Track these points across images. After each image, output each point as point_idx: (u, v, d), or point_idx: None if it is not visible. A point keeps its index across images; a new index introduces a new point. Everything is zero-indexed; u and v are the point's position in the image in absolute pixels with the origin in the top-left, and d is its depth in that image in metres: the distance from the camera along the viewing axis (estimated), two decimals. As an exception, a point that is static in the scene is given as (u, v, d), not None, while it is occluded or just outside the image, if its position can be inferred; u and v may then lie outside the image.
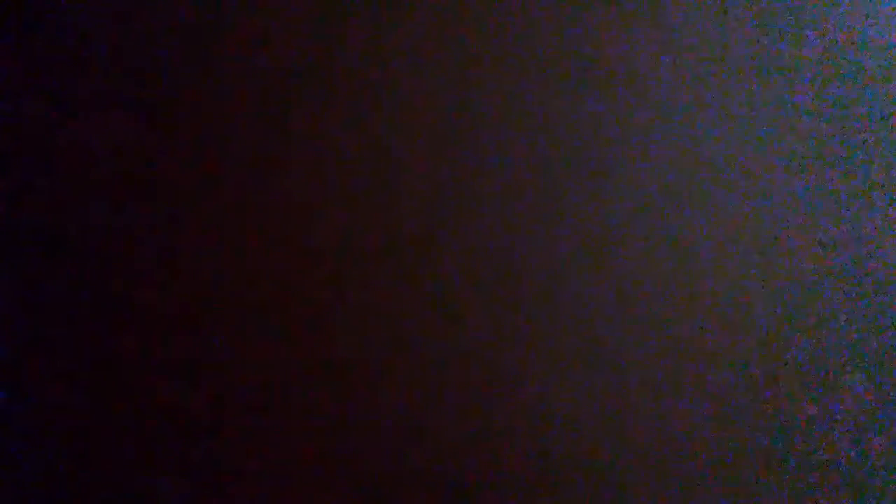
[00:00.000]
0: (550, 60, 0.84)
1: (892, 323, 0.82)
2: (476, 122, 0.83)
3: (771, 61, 0.84)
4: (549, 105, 0.83)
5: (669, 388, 0.82)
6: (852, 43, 0.84)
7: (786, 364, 0.82)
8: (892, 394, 0.82)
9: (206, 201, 0.82)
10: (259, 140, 0.82)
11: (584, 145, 0.83)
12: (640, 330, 0.82)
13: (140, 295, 0.81)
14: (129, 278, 0.81)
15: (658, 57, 0.84)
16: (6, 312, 0.81)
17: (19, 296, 0.81)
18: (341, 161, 0.83)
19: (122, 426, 0.81)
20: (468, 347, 0.82)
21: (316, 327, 0.81)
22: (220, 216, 0.82)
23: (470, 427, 0.81)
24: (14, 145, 0.82)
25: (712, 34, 0.84)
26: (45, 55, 0.83)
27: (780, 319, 0.82)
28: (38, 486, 0.81)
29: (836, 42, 0.84)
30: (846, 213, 0.83)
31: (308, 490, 0.81)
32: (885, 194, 0.83)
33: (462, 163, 0.83)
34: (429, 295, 0.82)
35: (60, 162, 0.82)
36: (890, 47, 0.84)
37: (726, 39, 0.84)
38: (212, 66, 0.83)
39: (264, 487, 0.81)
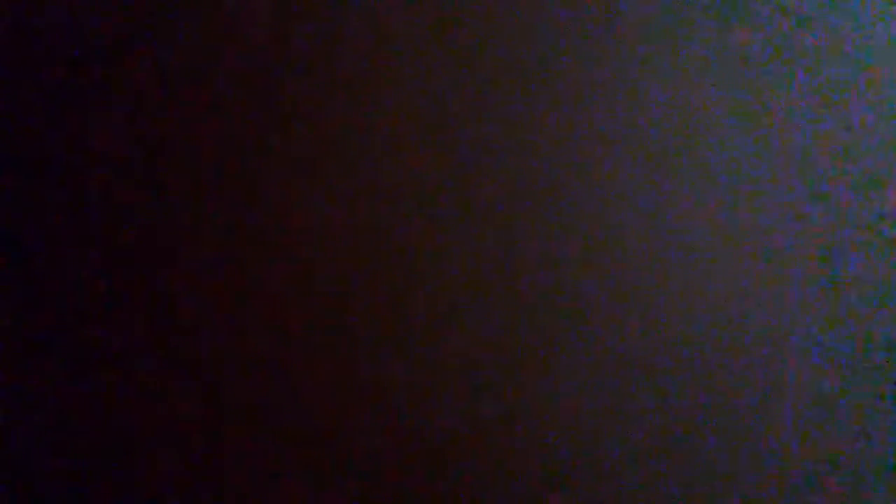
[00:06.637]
0: (551, 60, 0.84)
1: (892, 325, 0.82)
2: (475, 122, 0.83)
3: (770, 61, 0.84)
4: (550, 104, 0.83)
5: (670, 387, 0.82)
6: (855, 40, 0.84)
7: (787, 363, 0.82)
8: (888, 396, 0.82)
9: (207, 201, 0.82)
10: (260, 140, 0.82)
11: (584, 144, 0.83)
12: (641, 330, 0.82)
13: (140, 295, 0.81)
14: (129, 278, 0.81)
15: (658, 57, 0.84)
16: (6, 312, 0.81)
17: (19, 296, 0.81)
18: (342, 160, 0.83)
19: (121, 426, 0.81)
20: (468, 347, 0.82)
21: (315, 327, 0.81)
22: (220, 216, 0.82)
23: (470, 427, 0.81)
24: (14, 146, 0.82)
25: (712, 33, 0.84)
26: (44, 55, 0.83)
27: (780, 320, 0.82)
28: (39, 486, 0.81)
29: (837, 39, 0.84)
30: (846, 214, 0.83)
31: (307, 490, 0.81)
32: (885, 197, 0.83)
33: (462, 162, 0.83)
34: (429, 294, 0.82)
35: (60, 162, 0.82)
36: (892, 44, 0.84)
37: (725, 38, 0.84)
38: (213, 64, 0.83)
39: (264, 487, 0.81)
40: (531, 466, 0.81)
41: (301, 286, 0.82)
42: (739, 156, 0.83)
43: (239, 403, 0.81)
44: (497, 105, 0.83)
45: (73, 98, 0.82)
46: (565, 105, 0.83)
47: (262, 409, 0.81)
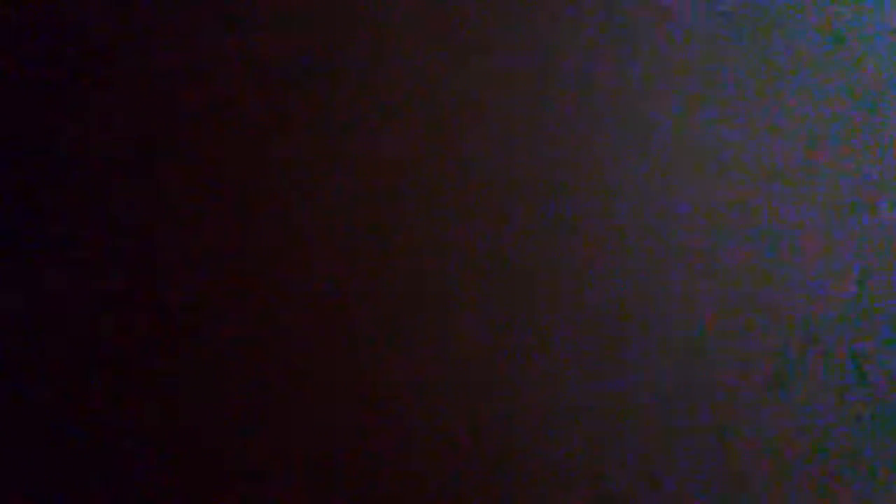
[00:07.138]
0: (550, 60, 0.84)
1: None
2: (475, 122, 0.83)
3: (772, 65, 0.84)
4: (550, 104, 0.83)
5: (670, 387, 0.82)
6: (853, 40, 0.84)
7: (788, 363, 0.82)
8: None
9: (207, 201, 0.82)
10: (259, 140, 0.83)
11: (584, 143, 0.83)
12: (641, 330, 0.82)
13: (140, 295, 0.81)
14: (129, 278, 0.81)
15: (659, 56, 0.84)
16: (6, 312, 0.81)
17: (19, 296, 0.81)
18: (342, 160, 0.83)
19: (121, 426, 0.81)
20: (468, 347, 0.82)
21: (315, 327, 0.82)
22: (220, 216, 0.82)
23: (470, 427, 0.81)
24: (14, 145, 0.82)
25: (714, 33, 0.84)
26: (44, 54, 0.83)
27: (781, 320, 0.82)
28: (38, 487, 0.81)
29: (832, 41, 0.84)
30: (847, 216, 0.83)
31: (307, 490, 0.81)
32: (886, 198, 0.83)
33: (462, 162, 0.83)
34: (429, 294, 0.82)
35: (60, 162, 0.82)
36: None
37: (729, 41, 0.84)
38: (213, 64, 0.83)
39: (263, 488, 0.81)
40: (531, 466, 0.81)
41: (301, 286, 0.82)
42: (741, 157, 0.83)
43: (239, 403, 0.81)
44: (496, 104, 0.83)
45: (73, 98, 0.82)
46: (566, 105, 0.83)
47: (262, 409, 0.81)
